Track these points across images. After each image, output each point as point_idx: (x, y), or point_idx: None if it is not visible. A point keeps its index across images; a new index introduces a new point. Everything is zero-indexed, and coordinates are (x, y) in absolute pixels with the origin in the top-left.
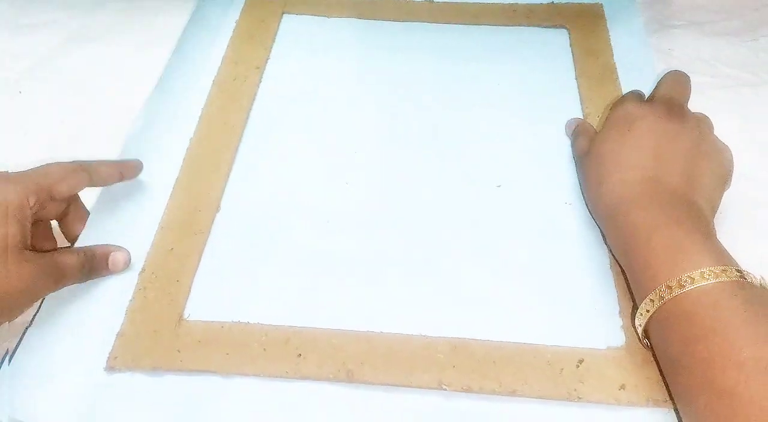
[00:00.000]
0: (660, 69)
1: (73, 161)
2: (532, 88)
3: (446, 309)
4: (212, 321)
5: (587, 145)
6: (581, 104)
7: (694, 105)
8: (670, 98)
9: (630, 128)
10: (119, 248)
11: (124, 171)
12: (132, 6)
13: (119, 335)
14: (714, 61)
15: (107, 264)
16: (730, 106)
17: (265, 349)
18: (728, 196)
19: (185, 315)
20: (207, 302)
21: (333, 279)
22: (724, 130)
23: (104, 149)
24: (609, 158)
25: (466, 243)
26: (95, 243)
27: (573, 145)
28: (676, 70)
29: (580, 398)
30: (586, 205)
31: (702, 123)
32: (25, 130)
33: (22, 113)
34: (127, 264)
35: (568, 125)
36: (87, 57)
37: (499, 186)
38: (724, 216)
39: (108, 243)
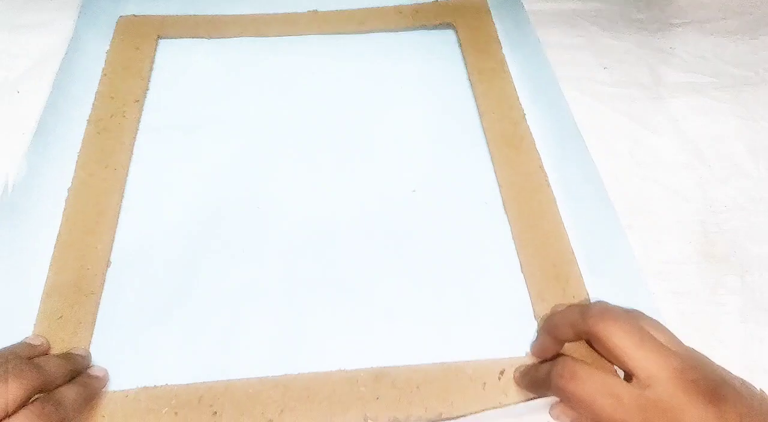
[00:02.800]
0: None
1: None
2: (429, 90)
3: (363, 336)
4: (115, 391)
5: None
6: (475, 101)
7: (696, 104)
8: None
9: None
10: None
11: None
12: None
13: None
14: (715, 60)
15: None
16: (731, 104)
17: (176, 413)
18: (728, 195)
19: None
20: (108, 371)
21: (242, 323)
22: (724, 128)
23: None
24: None
25: (380, 261)
26: None
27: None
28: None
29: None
30: None
31: None
32: (23, 130)
33: (20, 113)
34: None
35: (538, 351)
36: None
37: (414, 190)
38: (724, 217)
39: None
